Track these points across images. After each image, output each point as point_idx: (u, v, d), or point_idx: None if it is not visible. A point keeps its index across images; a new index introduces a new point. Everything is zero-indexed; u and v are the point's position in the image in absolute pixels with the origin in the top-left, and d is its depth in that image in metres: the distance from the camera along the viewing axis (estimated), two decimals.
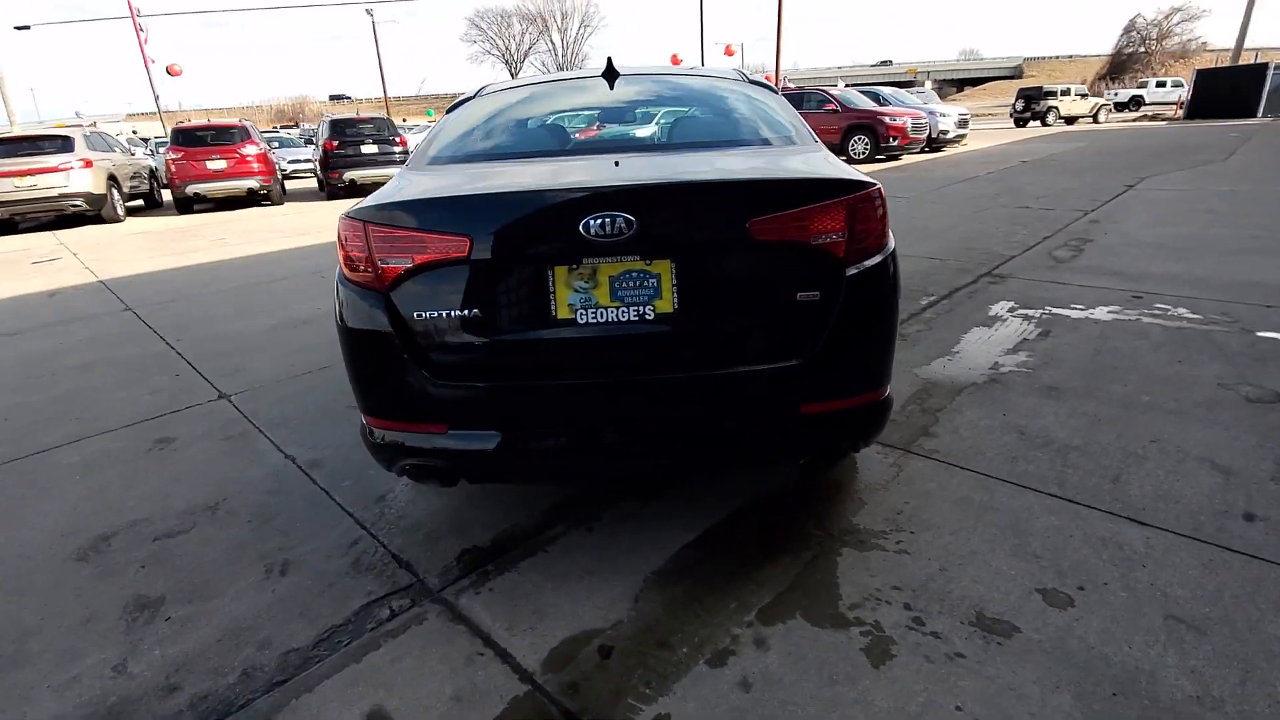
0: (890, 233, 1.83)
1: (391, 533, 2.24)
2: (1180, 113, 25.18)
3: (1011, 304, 4.26)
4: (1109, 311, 3.99)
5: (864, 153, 14.87)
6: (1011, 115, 29.75)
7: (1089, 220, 6.79)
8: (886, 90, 17.35)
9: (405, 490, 2.48)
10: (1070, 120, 28.58)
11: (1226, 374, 3.05)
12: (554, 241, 1.65)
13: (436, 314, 1.69)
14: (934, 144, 16.46)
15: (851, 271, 1.70)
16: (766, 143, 2.17)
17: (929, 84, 49.09)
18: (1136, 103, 34.87)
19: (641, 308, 1.67)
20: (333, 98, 78.28)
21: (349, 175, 12.23)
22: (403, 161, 12.63)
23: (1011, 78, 70.96)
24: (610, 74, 2.56)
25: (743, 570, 1.97)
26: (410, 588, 1.97)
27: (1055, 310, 4.08)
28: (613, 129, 2.42)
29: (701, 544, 2.10)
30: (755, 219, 1.63)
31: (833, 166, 1.91)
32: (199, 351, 4.19)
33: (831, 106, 15.45)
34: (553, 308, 1.67)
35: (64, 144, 10.45)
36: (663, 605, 1.86)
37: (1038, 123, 28.22)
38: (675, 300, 1.66)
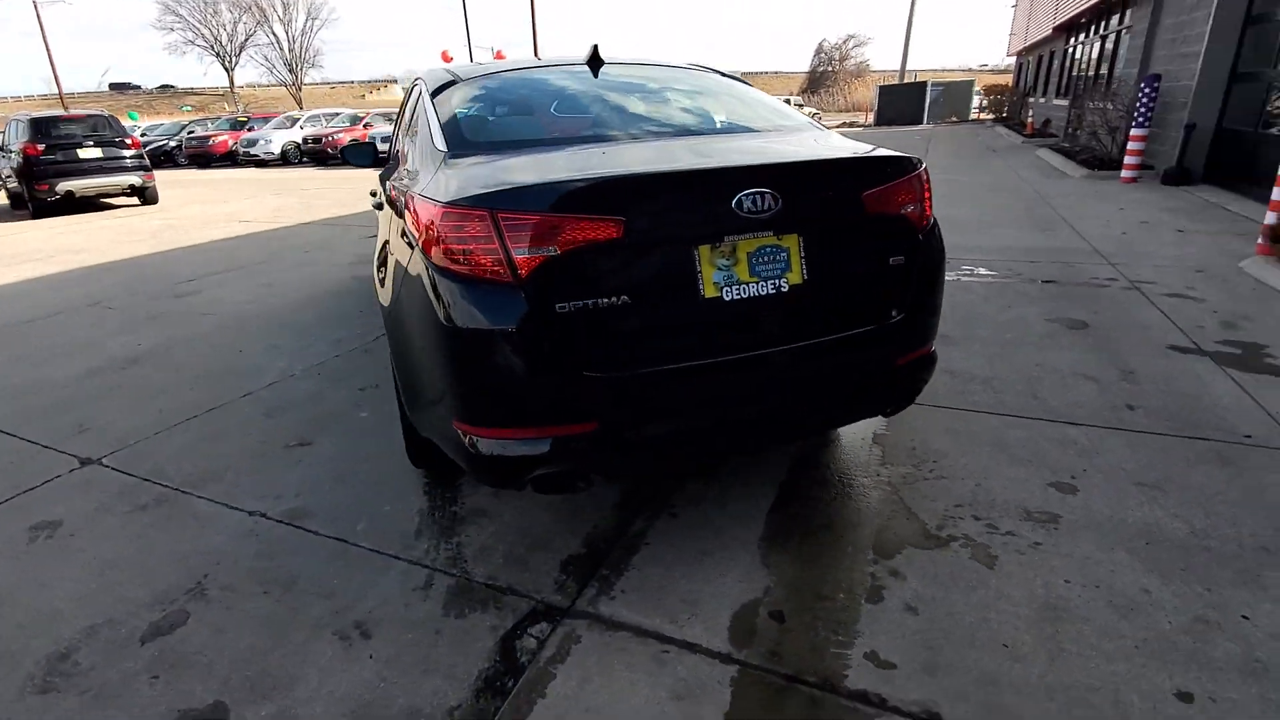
0: None
1: (465, 563, 2.00)
2: (871, 119, 30.92)
3: None
4: None
5: None
6: None
7: None
8: None
9: (440, 518, 2.21)
10: None
11: (1045, 311, 3.99)
12: (702, 220, 1.65)
13: (583, 304, 1.58)
14: None
15: (921, 236, 1.96)
16: (791, 128, 2.34)
17: None
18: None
19: (776, 280, 1.74)
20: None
21: (64, 186, 9.63)
22: (138, 168, 10.46)
23: None
24: (595, 62, 2.53)
25: (834, 519, 2.14)
26: (538, 611, 1.80)
27: None
28: (658, 113, 2.39)
29: (780, 508, 2.22)
30: (867, 192, 1.80)
31: (874, 146, 2.15)
32: (5, 413, 3.13)
33: None
34: (700, 286, 1.67)
35: None
36: (792, 565, 1.95)
37: None
38: (804, 271, 1.77)
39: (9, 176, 10.35)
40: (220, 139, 20.36)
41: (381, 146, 4.10)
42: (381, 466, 2.55)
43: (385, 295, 2.09)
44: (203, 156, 20.31)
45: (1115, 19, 12.30)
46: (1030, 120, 18.16)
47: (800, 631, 1.71)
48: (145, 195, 10.85)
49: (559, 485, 1.74)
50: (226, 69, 49.21)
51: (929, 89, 27.76)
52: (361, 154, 3.84)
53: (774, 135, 2.24)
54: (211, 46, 47.70)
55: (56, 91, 32.94)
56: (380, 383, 3.33)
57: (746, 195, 1.62)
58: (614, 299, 1.60)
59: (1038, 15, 19.32)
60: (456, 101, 2.25)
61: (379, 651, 1.69)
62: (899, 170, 1.89)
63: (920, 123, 27.20)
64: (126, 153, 10.32)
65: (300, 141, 19.07)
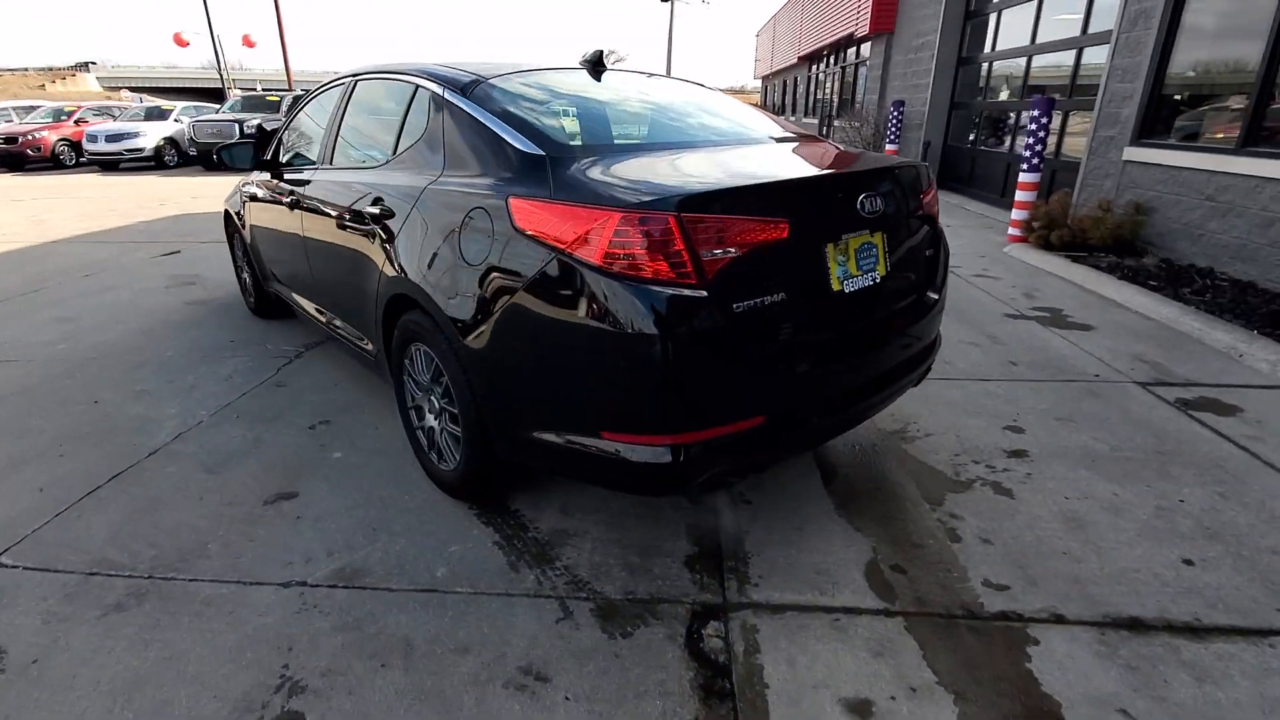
0: None
1: (589, 584, 1.90)
2: None
3: None
4: None
5: None
6: None
7: None
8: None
9: (524, 546, 2.06)
10: None
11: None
12: (834, 220, 1.80)
13: (753, 303, 1.64)
14: None
15: (938, 232, 2.33)
16: (804, 135, 2.57)
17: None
18: None
19: (872, 273, 1.95)
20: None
21: None
22: None
23: None
24: (595, 67, 2.53)
25: (880, 482, 2.43)
26: (698, 613, 1.80)
27: None
28: (710, 122, 2.41)
29: (830, 480, 2.46)
30: (923, 194, 2.10)
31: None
32: None
33: None
34: (830, 280, 1.82)
35: None
36: (876, 525, 2.19)
37: None
38: (887, 264, 2.01)
39: None
40: None
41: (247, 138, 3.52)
42: (412, 506, 2.27)
43: (462, 307, 1.88)
44: None
45: (852, 52, 14.79)
46: None
47: (924, 577, 1.95)
48: None
49: (726, 480, 1.77)
50: None
51: None
52: (243, 155, 3.32)
53: (807, 143, 2.46)
54: None
55: None
56: (330, 418, 2.90)
57: (867, 197, 1.82)
58: (774, 296, 1.68)
59: (781, 45, 22.34)
60: (507, 102, 2.09)
61: (572, 690, 1.56)
62: (930, 176, 2.23)
63: None
64: None
65: None
